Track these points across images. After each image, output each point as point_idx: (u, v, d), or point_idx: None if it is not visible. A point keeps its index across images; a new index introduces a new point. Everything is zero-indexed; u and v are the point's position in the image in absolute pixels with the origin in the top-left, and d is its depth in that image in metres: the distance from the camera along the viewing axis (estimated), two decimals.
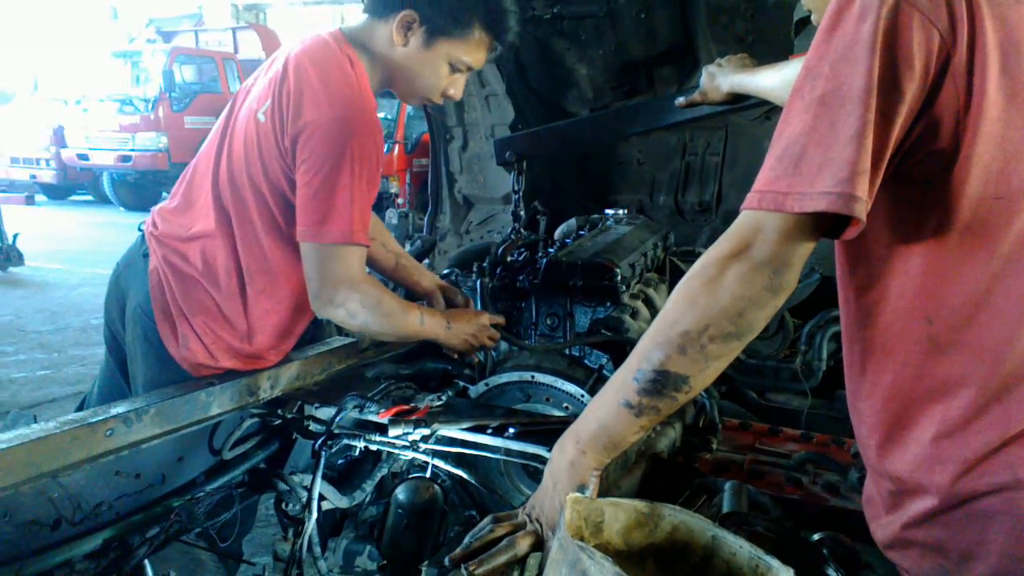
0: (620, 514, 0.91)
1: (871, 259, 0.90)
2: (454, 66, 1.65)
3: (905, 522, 0.90)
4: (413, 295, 2.01)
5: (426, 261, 3.59)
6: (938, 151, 0.80)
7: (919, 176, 0.83)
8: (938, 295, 0.84)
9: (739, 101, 1.88)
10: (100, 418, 1.33)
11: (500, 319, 1.86)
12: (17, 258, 7.47)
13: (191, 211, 1.67)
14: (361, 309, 1.55)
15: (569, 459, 1.01)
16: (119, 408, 1.39)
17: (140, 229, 1.74)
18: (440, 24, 1.59)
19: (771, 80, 1.68)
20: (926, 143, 0.81)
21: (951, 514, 0.85)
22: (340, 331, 2.03)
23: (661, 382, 0.92)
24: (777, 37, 2.90)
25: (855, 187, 0.77)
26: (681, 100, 2.04)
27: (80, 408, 1.89)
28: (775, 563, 0.81)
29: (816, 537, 1.15)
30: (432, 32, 1.60)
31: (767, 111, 3.15)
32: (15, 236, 7.50)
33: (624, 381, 0.96)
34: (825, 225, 0.83)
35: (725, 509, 1.25)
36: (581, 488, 0.99)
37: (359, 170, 1.50)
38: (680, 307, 0.91)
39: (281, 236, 1.61)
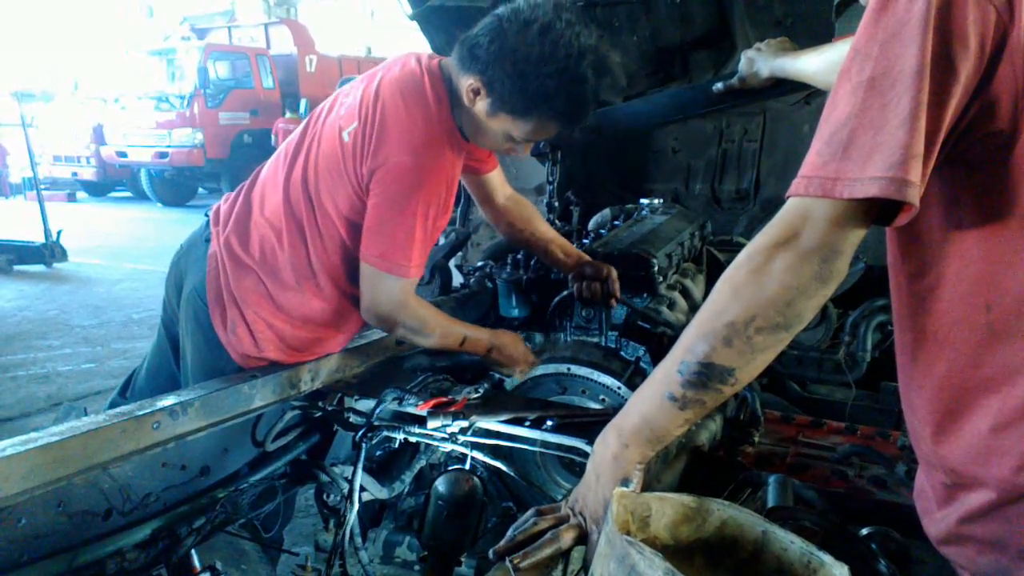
0: (667, 509, 0.90)
1: (925, 245, 0.87)
2: (514, 138, 1.62)
3: (961, 516, 0.87)
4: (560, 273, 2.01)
5: (460, 254, 3.59)
6: (995, 133, 0.77)
7: (974, 159, 0.80)
8: (997, 281, 0.81)
9: (779, 86, 1.84)
10: (147, 411, 1.36)
11: (537, 361, 1.85)
12: (61, 254, 7.70)
13: (259, 202, 1.70)
14: (405, 330, 1.66)
15: (612, 453, 1.00)
16: (165, 401, 1.42)
17: (207, 215, 1.78)
18: (505, 102, 1.54)
19: (814, 64, 1.63)
20: (982, 124, 0.77)
21: (1011, 508, 0.82)
22: None
23: (706, 374, 0.90)
24: (817, 20, 2.82)
25: (908, 172, 0.74)
26: (719, 86, 2.00)
27: (127, 381, 1.96)
28: (828, 559, 0.79)
29: (865, 532, 1.13)
30: (495, 106, 1.56)
31: (806, 96, 3.08)
32: (58, 233, 7.72)
33: (668, 374, 0.94)
34: (876, 211, 0.80)
35: (770, 503, 1.23)
36: (625, 482, 0.98)
37: (425, 212, 1.55)
38: (725, 297, 0.89)
39: (342, 244, 1.64)
